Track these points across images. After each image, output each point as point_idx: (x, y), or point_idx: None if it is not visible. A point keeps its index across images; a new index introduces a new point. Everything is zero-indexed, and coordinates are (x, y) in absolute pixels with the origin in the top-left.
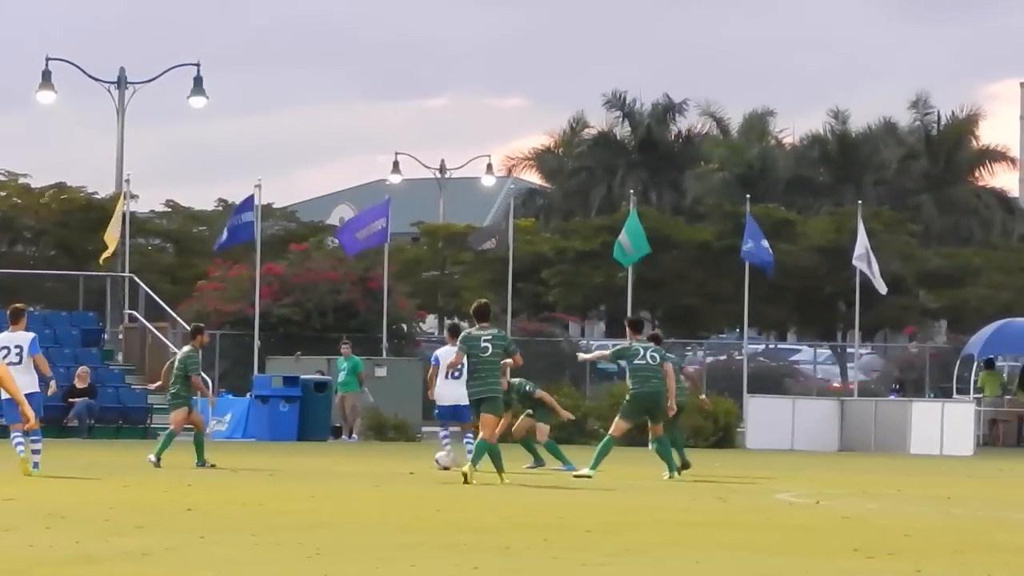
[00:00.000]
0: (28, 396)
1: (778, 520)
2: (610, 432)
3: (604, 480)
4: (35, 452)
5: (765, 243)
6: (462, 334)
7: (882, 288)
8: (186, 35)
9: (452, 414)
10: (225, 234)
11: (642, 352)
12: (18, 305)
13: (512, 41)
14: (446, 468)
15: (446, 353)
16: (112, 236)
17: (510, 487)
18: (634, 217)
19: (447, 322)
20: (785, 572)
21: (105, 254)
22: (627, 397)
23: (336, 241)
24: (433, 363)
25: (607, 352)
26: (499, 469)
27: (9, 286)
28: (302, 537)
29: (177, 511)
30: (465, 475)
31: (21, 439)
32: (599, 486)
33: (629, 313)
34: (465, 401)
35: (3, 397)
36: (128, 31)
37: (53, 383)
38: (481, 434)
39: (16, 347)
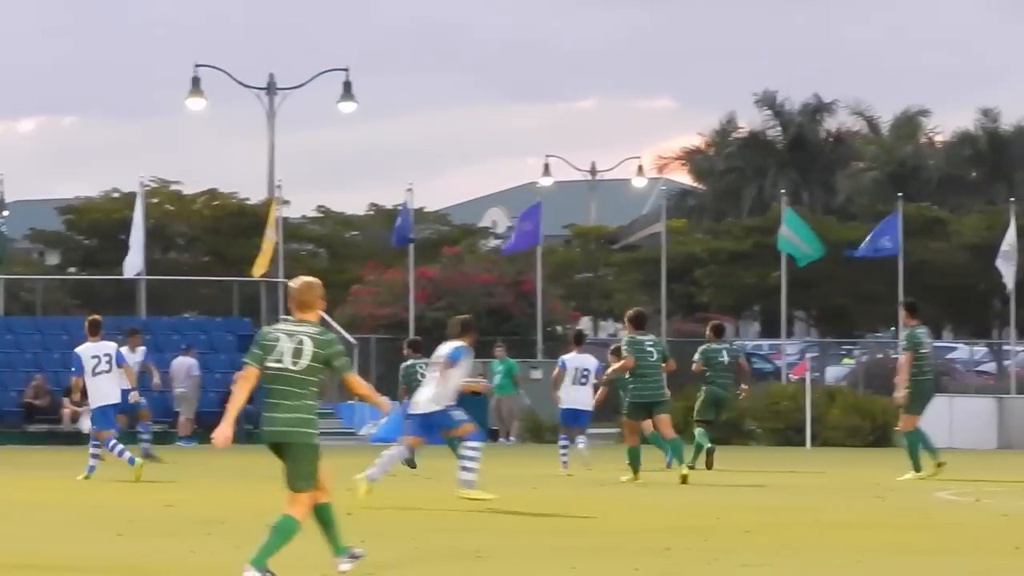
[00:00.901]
0: (112, 406)
1: (937, 519)
2: (904, 429)
3: (761, 479)
4: (122, 454)
5: (888, 240)
6: (627, 339)
7: (1009, 284)
8: (334, 40)
9: (573, 417)
10: (394, 237)
11: (927, 341)
12: (95, 317)
13: (658, 42)
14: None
15: (572, 359)
16: (267, 249)
17: (666, 487)
18: (793, 217)
19: (574, 329)
20: (945, 571)
21: (260, 269)
22: (908, 387)
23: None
24: (560, 367)
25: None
26: (644, 465)
27: (163, 293)
28: (462, 540)
29: (336, 515)
30: (684, 476)
31: (118, 444)
32: (756, 486)
33: (783, 312)
34: (587, 407)
35: (95, 406)
36: (276, 37)
37: (135, 394)
38: (666, 433)
39: (106, 355)
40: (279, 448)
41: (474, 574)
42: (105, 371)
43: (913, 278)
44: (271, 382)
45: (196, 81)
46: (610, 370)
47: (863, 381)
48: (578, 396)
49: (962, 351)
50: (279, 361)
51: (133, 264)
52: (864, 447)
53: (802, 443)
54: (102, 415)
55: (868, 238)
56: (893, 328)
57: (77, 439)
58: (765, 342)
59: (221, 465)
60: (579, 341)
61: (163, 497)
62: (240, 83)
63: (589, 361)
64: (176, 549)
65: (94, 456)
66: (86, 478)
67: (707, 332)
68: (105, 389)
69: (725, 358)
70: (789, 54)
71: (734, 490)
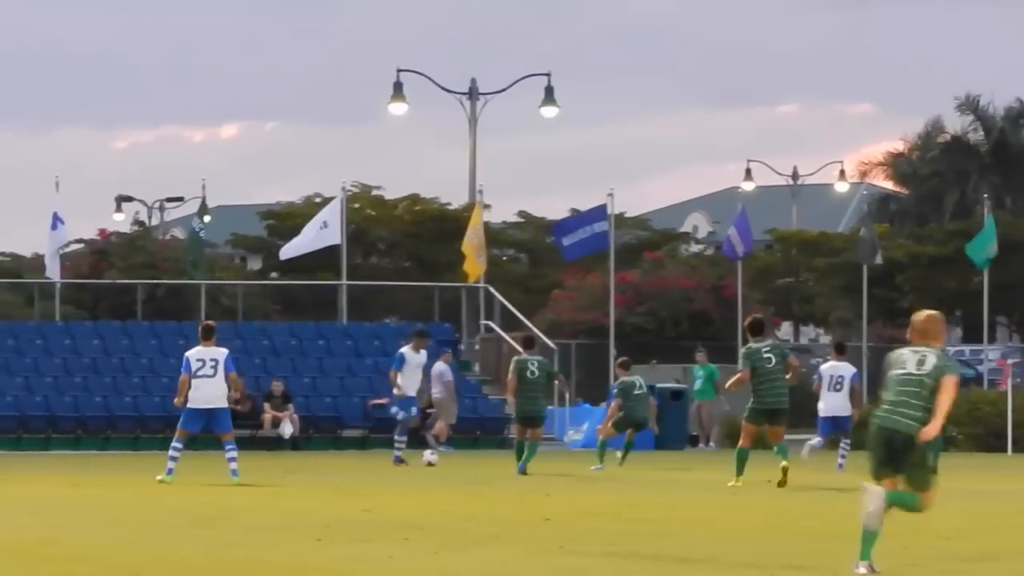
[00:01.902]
0: (218, 411)
1: None
2: None
3: (960, 485)
4: (231, 460)
5: None
6: (743, 350)
7: None
8: (536, 45)
9: (832, 425)
10: (568, 242)
11: None
12: (210, 323)
13: (861, 46)
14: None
15: (828, 368)
16: (475, 257)
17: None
18: (990, 223)
19: (826, 336)
20: None
21: (476, 276)
22: None
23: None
24: (815, 378)
25: None
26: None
27: (363, 298)
28: (659, 546)
29: (534, 521)
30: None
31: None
32: (955, 491)
33: (985, 317)
34: (845, 412)
35: (188, 406)
36: (479, 42)
37: (237, 393)
38: (772, 440)
39: (212, 360)
40: (894, 444)
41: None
42: (208, 375)
43: None
44: (897, 385)
45: (399, 86)
46: (728, 384)
47: None
48: (834, 403)
49: None
50: (903, 368)
51: (292, 249)
52: None
53: (1003, 449)
54: (189, 416)
55: None
56: None
57: (278, 444)
58: (966, 347)
59: (421, 470)
60: (840, 350)
61: (361, 502)
62: (442, 88)
63: (845, 369)
64: (374, 555)
65: (172, 458)
66: (162, 481)
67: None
68: (202, 393)
69: None
70: (992, 58)
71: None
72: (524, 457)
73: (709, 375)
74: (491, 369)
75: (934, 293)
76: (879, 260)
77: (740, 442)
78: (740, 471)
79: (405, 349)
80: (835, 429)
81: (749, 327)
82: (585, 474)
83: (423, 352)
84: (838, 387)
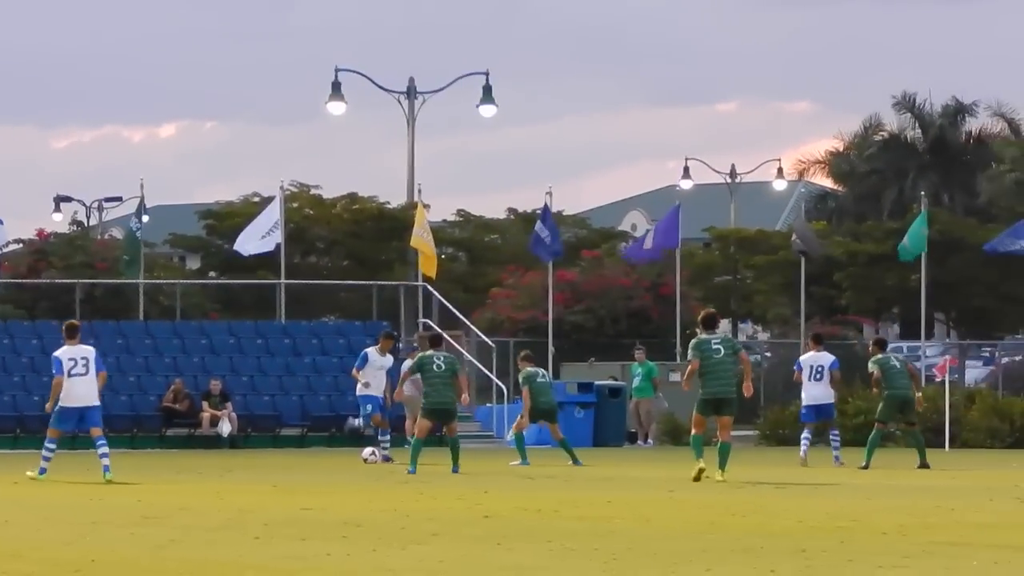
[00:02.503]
0: (91, 408)
1: None
2: None
3: (899, 481)
4: (103, 456)
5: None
6: (692, 341)
7: None
8: (474, 44)
9: (815, 413)
10: (545, 251)
11: None
12: (73, 322)
13: (800, 45)
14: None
15: (808, 358)
16: (431, 253)
17: (803, 488)
18: (921, 218)
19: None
20: None
21: (430, 271)
22: None
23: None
24: (796, 368)
25: None
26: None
27: (303, 297)
28: (597, 543)
29: (473, 518)
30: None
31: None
32: (894, 488)
33: (923, 314)
34: (828, 400)
35: (60, 405)
36: (417, 41)
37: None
38: (720, 435)
39: (83, 358)
40: None
41: (608, 574)
42: (81, 374)
43: None
44: None
45: (337, 86)
46: (684, 379)
47: (1003, 383)
48: (817, 392)
49: None
50: None
51: (245, 246)
52: (1003, 449)
53: (940, 445)
54: (62, 414)
55: (1001, 236)
56: None
57: (216, 443)
58: (904, 344)
59: (359, 468)
60: (818, 341)
61: (300, 500)
62: (381, 87)
63: (825, 358)
64: (312, 552)
65: (46, 458)
66: (33, 478)
67: (871, 347)
68: (76, 391)
69: (897, 364)
70: (929, 56)
71: (871, 492)
72: (452, 455)
73: (647, 372)
74: None
75: (872, 291)
76: (823, 250)
77: (693, 430)
78: (699, 454)
79: (370, 350)
80: (819, 417)
81: (702, 320)
82: (524, 471)
83: (388, 355)
84: (819, 376)
